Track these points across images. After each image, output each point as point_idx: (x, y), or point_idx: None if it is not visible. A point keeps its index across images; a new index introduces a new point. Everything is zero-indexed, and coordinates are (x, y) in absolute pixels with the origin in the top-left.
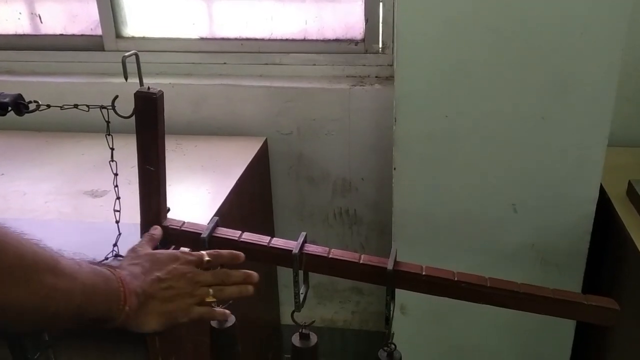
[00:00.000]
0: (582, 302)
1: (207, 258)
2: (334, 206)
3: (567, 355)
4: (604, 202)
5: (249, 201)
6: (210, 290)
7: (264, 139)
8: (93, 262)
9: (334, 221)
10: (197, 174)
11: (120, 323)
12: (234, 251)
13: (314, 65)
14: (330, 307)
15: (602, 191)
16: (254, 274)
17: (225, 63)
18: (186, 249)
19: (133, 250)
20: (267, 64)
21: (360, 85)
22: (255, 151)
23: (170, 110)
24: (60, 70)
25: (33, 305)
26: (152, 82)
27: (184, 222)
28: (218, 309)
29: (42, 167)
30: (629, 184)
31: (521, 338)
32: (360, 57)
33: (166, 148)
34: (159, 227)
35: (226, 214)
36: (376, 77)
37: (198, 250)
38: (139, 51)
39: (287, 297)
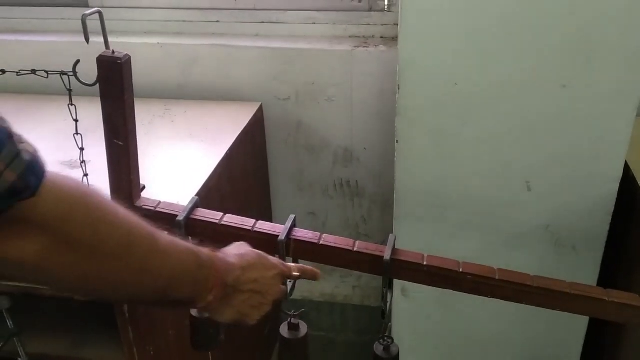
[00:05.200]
0: (602, 299)
1: (296, 273)
2: (334, 177)
3: (580, 344)
4: (627, 180)
5: (243, 172)
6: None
7: (259, 104)
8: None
9: (334, 193)
10: (185, 142)
11: (200, 308)
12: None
13: (314, 24)
14: (330, 282)
15: (626, 167)
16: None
17: (218, 21)
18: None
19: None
20: (263, 22)
21: (364, 47)
22: (249, 118)
23: (159, 72)
24: (42, 28)
25: (129, 280)
26: (138, 42)
27: (159, 202)
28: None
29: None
30: None
31: (530, 325)
32: (364, 15)
33: (154, 114)
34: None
35: (214, 188)
36: (381, 37)
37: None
38: (125, 7)
39: None
